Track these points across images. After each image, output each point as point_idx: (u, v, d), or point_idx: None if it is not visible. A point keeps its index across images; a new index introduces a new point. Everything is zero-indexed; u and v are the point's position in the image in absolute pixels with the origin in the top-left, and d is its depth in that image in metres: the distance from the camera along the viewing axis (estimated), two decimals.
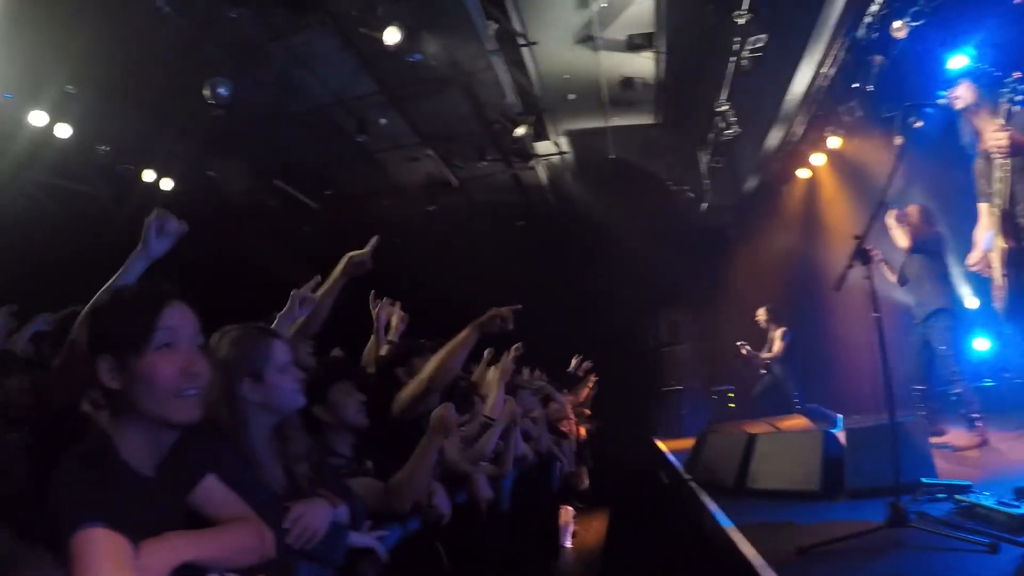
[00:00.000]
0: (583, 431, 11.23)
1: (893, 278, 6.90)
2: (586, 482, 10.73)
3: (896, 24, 8.21)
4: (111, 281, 2.45)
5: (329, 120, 10.72)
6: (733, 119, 10.31)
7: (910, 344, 6.58)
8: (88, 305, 2.18)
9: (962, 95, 4.32)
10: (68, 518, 1.57)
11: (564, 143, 12.34)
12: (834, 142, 11.44)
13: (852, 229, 11.17)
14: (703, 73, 9.79)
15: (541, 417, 6.85)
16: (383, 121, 10.91)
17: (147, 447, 1.80)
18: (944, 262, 6.77)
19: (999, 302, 4.29)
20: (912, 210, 6.87)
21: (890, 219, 6.66)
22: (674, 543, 6.36)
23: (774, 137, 11.45)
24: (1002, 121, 4.06)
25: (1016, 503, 3.66)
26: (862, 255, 3.87)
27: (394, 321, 4.90)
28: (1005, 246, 4.12)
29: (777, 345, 10.92)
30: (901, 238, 6.71)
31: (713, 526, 4.75)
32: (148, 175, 10.34)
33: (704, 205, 13.05)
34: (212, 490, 1.99)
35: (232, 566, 1.83)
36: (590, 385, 9.98)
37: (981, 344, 8.59)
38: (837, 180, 12.24)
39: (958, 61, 9.43)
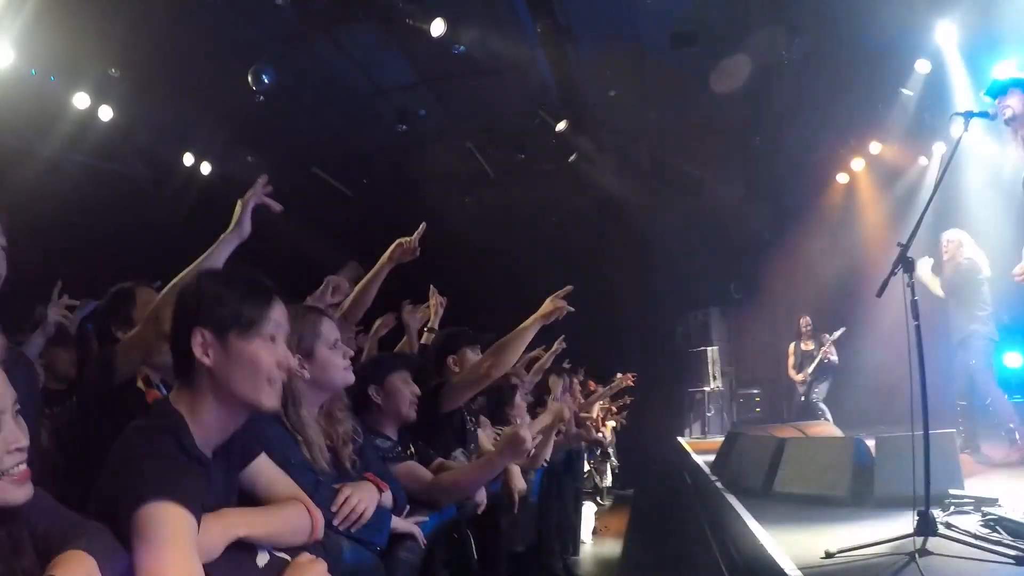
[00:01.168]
0: (609, 428, 11.28)
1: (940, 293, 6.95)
2: (609, 479, 10.80)
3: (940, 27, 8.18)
4: (199, 261, 2.50)
5: (370, 109, 10.82)
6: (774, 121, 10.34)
7: (951, 360, 6.62)
8: (180, 281, 2.23)
9: (1012, 105, 4.25)
10: (135, 491, 1.58)
11: (603, 139, 12.35)
12: (875, 147, 11.39)
13: (889, 235, 11.17)
14: (744, 73, 9.77)
15: (571, 412, 6.88)
16: (422, 112, 10.98)
17: (216, 428, 1.83)
18: (976, 286, 6.82)
19: None
20: (947, 239, 6.92)
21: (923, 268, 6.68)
22: (696, 543, 6.39)
23: (814, 140, 11.42)
24: None
25: None
26: (905, 263, 3.83)
27: (432, 304, 4.94)
28: None
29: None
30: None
31: (740, 528, 4.78)
32: (188, 159, 10.49)
33: (741, 207, 13.03)
34: (263, 469, 2.03)
35: (282, 544, 1.86)
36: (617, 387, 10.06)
37: (1013, 360, 8.51)
38: (876, 186, 12.20)
39: (1005, 68, 9.37)
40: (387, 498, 2.45)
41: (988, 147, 7.06)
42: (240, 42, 8.54)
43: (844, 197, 12.98)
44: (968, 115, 4.18)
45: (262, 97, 8.91)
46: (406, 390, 3.19)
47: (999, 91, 4.22)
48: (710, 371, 14.19)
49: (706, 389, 14.13)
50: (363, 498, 2.28)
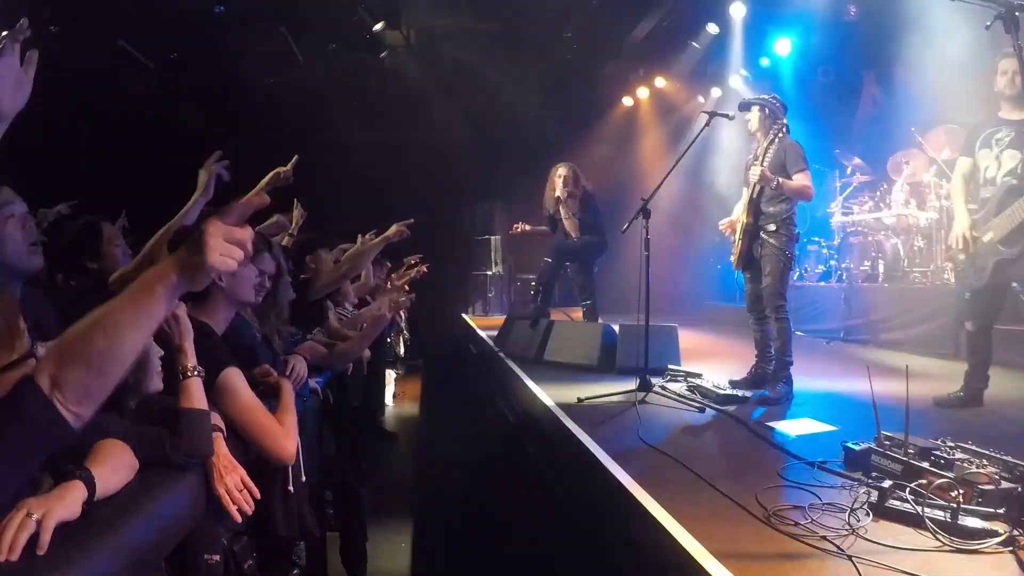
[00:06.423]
0: None
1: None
2: (402, 349, 12.09)
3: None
4: (178, 217, 3.16)
5: None
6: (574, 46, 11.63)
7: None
8: (168, 230, 3.09)
9: (751, 119, 5.59)
10: (215, 366, 2.46)
11: (412, 36, 12.97)
12: (660, 82, 13.11)
13: (656, 160, 12.92)
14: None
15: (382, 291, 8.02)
16: None
17: (223, 324, 2.86)
18: None
19: (734, 257, 5.84)
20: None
21: None
22: (481, 400, 7.82)
23: (609, 65, 12.90)
24: (766, 147, 5.43)
25: (724, 388, 5.40)
26: (645, 212, 5.43)
27: (295, 215, 5.91)
28: (746, 221, 5.57)
29: None
30: None
31: (519, 385, 6.28)
32: None
33: (533, 112, 14.27)
34: None
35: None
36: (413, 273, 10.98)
37: None
38: (654, 115, 13.94)
39: (783, 45, 11.34)
40: (307, 366, 3.62)
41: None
42: None
43: (626, 118, 14.58)
44: (712, 115, 5.70)
45: None
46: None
47: (745, 107, 5.65)
48: (492, 257, 15.48)
49: (488, 273, 15.43)
50: (302, 366, 3.43)
